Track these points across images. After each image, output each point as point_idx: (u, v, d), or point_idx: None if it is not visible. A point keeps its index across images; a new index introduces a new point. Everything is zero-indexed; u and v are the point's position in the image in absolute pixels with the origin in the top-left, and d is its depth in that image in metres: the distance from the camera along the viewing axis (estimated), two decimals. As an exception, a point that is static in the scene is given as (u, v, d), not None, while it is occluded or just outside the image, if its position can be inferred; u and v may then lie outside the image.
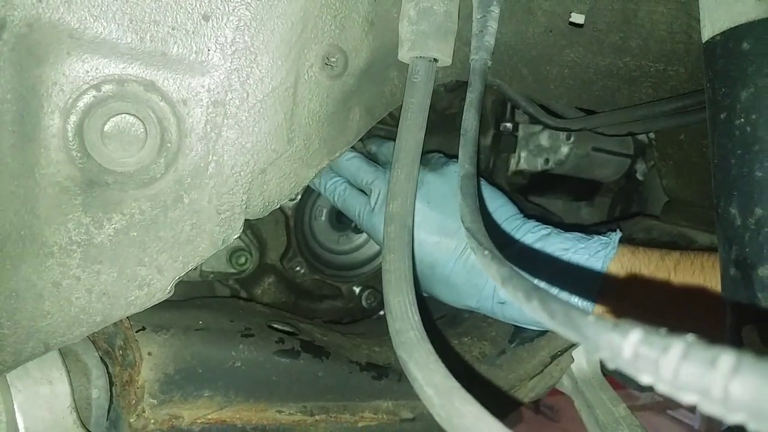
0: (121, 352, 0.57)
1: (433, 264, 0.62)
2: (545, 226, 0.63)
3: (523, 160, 0.96)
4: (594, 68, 0.63)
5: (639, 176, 1.04)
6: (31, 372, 0.48)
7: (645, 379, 0.20)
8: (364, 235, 0.92)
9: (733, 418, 0.18)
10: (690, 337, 0.19)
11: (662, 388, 0.19)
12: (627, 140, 0.99)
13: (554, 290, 0.57)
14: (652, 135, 0.92)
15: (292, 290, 0.87)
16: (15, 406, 0.47)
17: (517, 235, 0.62)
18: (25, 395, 0.48)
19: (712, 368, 0.18)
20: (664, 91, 0.66)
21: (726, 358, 0.18)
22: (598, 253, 0.59)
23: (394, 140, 0.70)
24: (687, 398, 0.19)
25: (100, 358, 0.55)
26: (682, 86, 0.66)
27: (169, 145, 0.46)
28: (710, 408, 0.18)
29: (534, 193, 1.00)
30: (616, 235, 0.62)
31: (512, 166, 0.95)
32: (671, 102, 0.64)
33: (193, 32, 0.45)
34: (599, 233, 0.63)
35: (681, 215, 0.80)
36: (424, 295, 0.69)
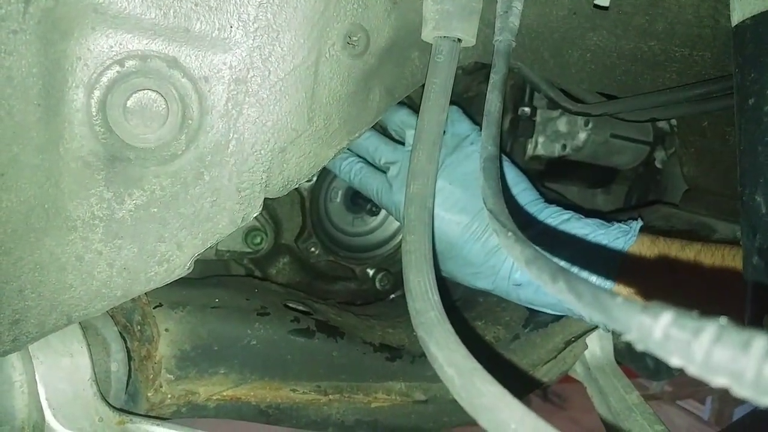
0: (139, 327, 0.58)
1: (452, 243, 0.61)
2: (565, 211, 0.63)
3: (540, 146, 0.95)
4: (617, 52, 0.62)
5: (657, 164, 1.02)
6: (52, 344, 0.49)
7: (675, 361, 0.20)
8: (378, 218, 0.92)
9: (765, 401, 0.18)
10: (723, 320, 0.19)
11: (693, 370, 0.19)
12: (646, 127, 0.98)
13: (574, 269, 0.57)
14: (674, 122, 0.90)
15: (307, 271, 0.88)
16: (37, 377, 0.48)
17: (537, 219, 0.61)
18: (46, 366, 0.49)
19: (746, 351, 0.18)
20: (688, 76, 0.65)
21: (760, 341, 0.18)
22: (617, 240, 0.59)
23: (403, 105, 0.70)
24: (719, 381, 0.19)
25: (119, 333, 0.56)
26: (708, 72, 0.64)
27: (190, 122, 0.46)
28: (742, 391, 0.18)
29: (550, 179, 1.00)
30: (637, 224, 0.61)
31: (529, 151, 0.95)
32: (696, 88, 0.63)
33: (216, 8, 0.45)
34: (619, 221, 0.63)
35: (701, 204, 0.79)
36: (441, 275, 0.69)
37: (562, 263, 0.55)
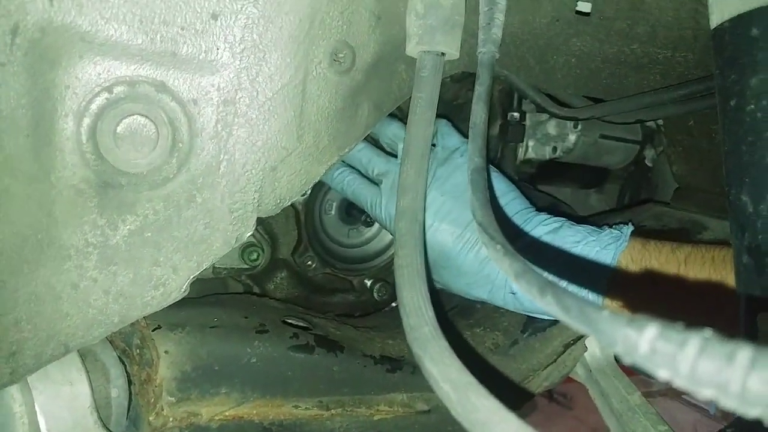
0: (138, 351, 0.58)
1: (446, 253, 0.62)
2: (556, 218, 0.63)
3: (531, 149, 0.95)
4: (601, 56, 0.63)
5: (648, 162, 1.03)
6: (51, 373, 0.49)
7: (662, 374, 0.20)
8: (373, 229, 0.92)
9: (751, 413, 0.18)
10: (707, 332, 0.20)
11: (679, 383, 0.20)
12: (635, 126, 0.98)
13: (563, 283, 0.57)
14: (660, 122, 0.91)
15: (304, 284, 0.88)
16: (36, 408, 0.48)
17: (528, 228, 0.62)
18: (46, 396, 0.49)
19: (730, 363, 0.18)
20: (672, 77, 0.65)
21: (744, 352, 0.18)
22: (608, 246, 0.59)
23: (394, 119, 0.70)
24: (705, 393, 0.19)
25: (118, 357, 0.56)
26: (691, 72, 0.65)
27: (180, 145, 0.47)
28: (728, 403, 0.18)
29: (542, 181, 1.00)
30: (628, 229, 0.61)
31: (520, 155, 0.95)
32: (680, 88, 0.64)
33: (202, 32, 0.45)
34: (611, 224, 0.63)
35: (691, 201, 0.80)
36: (437, 286, 0.69)
37: (551, 277, 0.55)
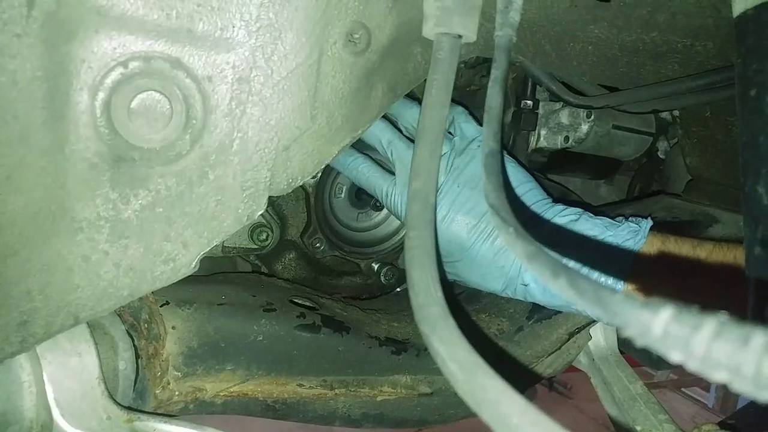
0: (146, 325, 0.59)
1: (460, 244, 0.62)
2: (574, 210, 0.62)
3: (543, 138, 0.95)
4: (619, 44, 0.62)
5: (660, 154, 1.02)
6: (60, 344, 0.50)
7: (675, 356, 0.20)
8: (382, 213, 0.92)
9: (764, 396, 0.18)
10: (722, 316, 0.19)
11: (693, 365, 0.19)
12: (649, 118, 0.97)
13: (584, 270, 0.57)
14: (676, 112, 0.90)
15: (313, 266, 0.88)
16: (45, 377, 0.49)
17: (545, 218, 0.61)
18: (54, 366, 0.49)
19: (745, 347, 0.18)
20: (690, 67, 0.64)
21: (759, 336, 0.18)
22: (626, 242, 0.58)
23: (416, 103, 0.69)
24: (718, 376, 0.19)
25: (127, 331, 0.57)
26: (710, 62, 0.64)
27: (194, 121, 0.47)
28: (741, 386, 0.18)
29: (553, 171, 1.00)
30: (647, 224, 0.60)
31: (532, 144, 0.95)
32: (698, 78, 0.63)
33: (218, 9, 0.45)
34: (628, 217, 0.62)
35: (704, 194, 0.79)
36: (451, 278, 0.69)
37: (571, 263, 0.55)
